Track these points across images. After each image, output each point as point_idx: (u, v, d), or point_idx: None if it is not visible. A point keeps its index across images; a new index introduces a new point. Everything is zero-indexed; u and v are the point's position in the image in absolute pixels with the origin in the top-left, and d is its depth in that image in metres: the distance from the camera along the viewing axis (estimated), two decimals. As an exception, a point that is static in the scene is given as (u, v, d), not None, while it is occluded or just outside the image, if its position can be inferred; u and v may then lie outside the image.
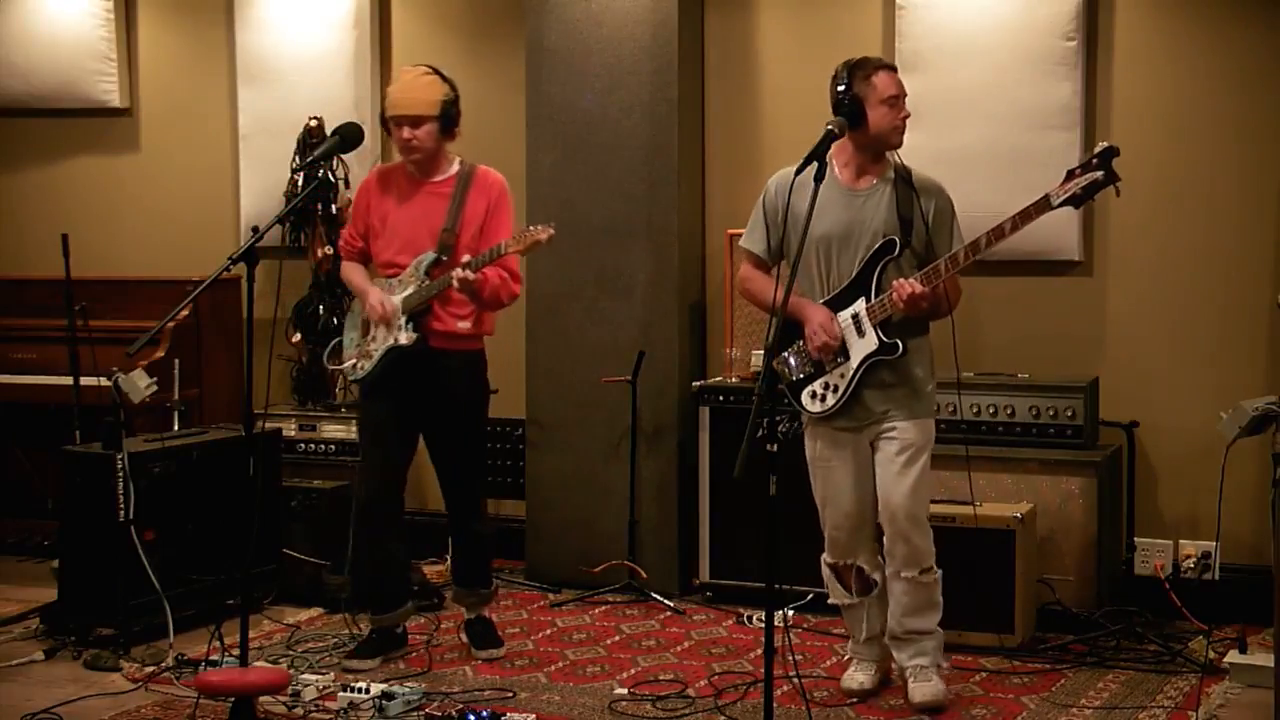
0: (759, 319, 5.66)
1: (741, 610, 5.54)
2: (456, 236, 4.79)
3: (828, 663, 4.95)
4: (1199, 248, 5.40)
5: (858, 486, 4.46)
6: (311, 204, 6.27)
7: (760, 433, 3.57)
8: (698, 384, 5.75)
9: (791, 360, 4.45)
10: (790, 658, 4.57)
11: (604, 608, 5.68)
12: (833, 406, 4.39)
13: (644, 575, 5.75)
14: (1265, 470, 4.30)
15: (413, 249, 4.82)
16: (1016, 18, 5.49)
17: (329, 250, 6.29)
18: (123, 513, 5.03)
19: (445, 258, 4.77)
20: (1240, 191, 5.35)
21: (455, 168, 4.89)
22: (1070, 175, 4.14)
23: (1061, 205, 4.14)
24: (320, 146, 5.10)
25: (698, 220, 6.04)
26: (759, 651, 4.97)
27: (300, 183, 6.27)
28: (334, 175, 6.26)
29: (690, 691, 4.65)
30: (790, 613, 5.39)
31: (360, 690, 4.45)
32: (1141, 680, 4.72)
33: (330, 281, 6.34)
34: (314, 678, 4.62)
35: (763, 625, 3.96)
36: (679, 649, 5.15)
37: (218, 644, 4.64)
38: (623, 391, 5.79)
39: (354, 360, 4.92)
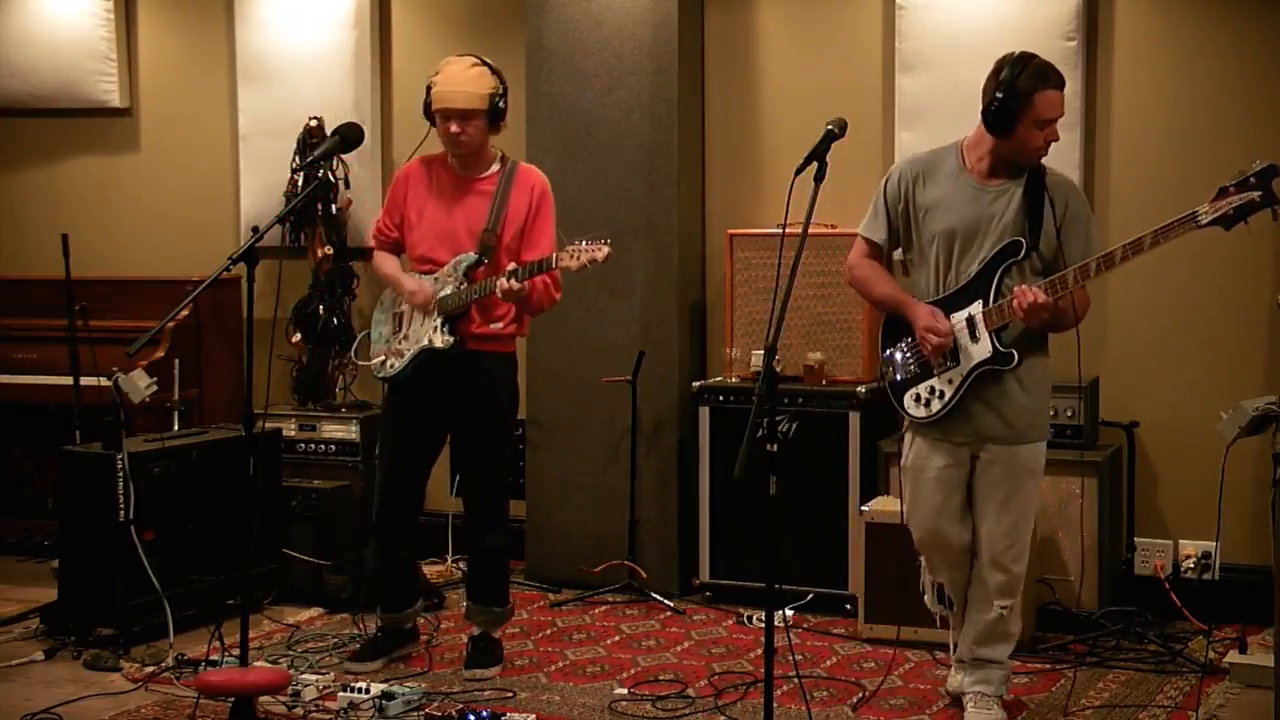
0: (759, 319, 5.65)
1: (741, 610, 5.54)
2: (498, 238, 4.67)
3: (828, 663, 4.96)
4: (1199, 248, 5.37)
5: (946, 503, 4.24)
6: (311, 204, 6.27)
7: (760, 433, 3.57)
8: (698, 384, 5.75)
9: (896, 359, 4.24)
10: (790, 658, 4.57)
11: (604, 608, 5.68)
12: (938, 413, 4.15)
13: (644, 575, 5.75)
14: (1265, 470, 4.29)
15: (450, 246, 4.70)
16: (1016, 18, 5.49)
17: (329, 250, 6.30)
18: (123, 513, 5.03)
19: (486, 260, 4.66)
20: (1240, 191, 5.34)
21: (497, 165, 4.77)
22: (1223, 193, 3.82)
23: (1209, 225, 3.84)
24: (320, 146, 5.09)
25: (698, 220, 6.04)
26: (759, 651, 4.97)
27: (300, 183, 6.27)
28: (334, 175, 6.27)
29: (690, 691, 4.65)
30: (790, 613, 5.39)
31: (360, 690, 4.45)
32: (1141, 680, 4.72)
33: (330, 281, 6.35)
34: (314, 678, 4.62)
35: (763, 625, 3.96)
36: (679, 649, 5.15)
37: (218, 644, 4.64)
38: (623, 391, 5.79)
39: (383, 357, 4.82)
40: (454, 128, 4.63)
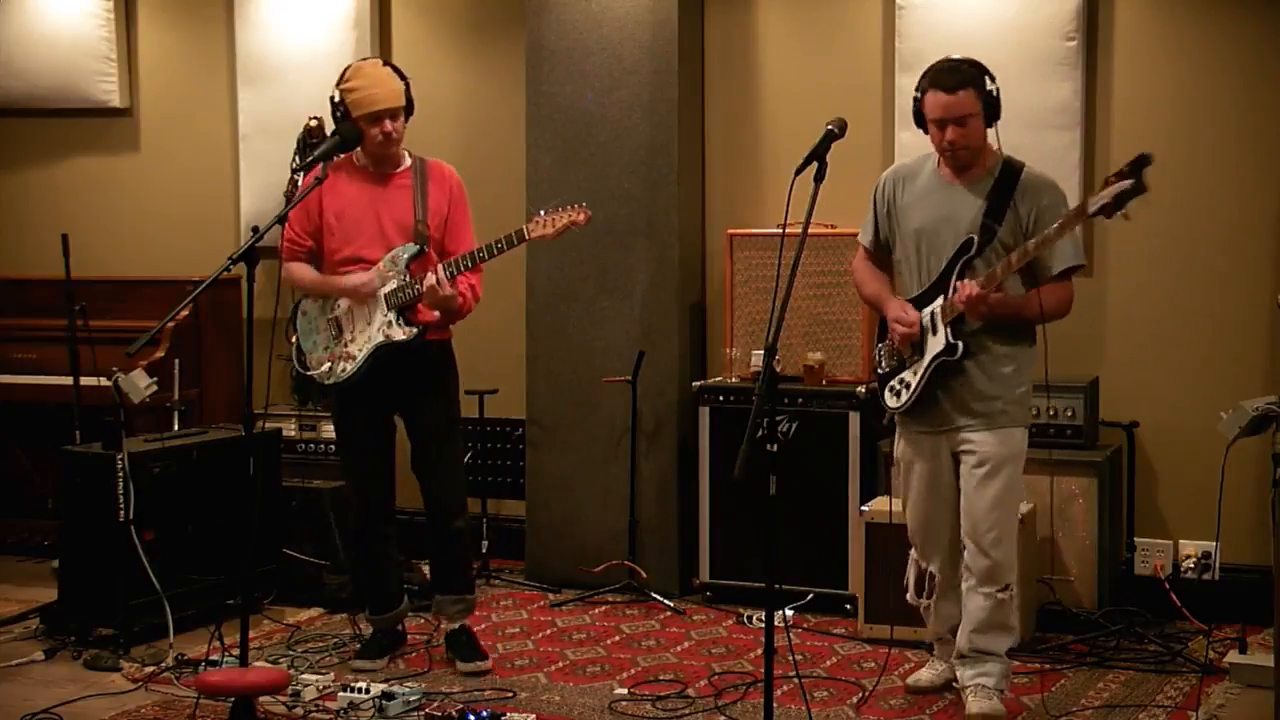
0: (759, 319, 5.66)
1: (741, 610, 5.54)
2: (429, 227, 4.76)
3: (828, 662, 4.96)
4: (1199, 247, 5.41)
5: (932, 492, 4.38)
6: (311, 204, 6.26)
7: (760, 433, 3.57)
8: (698, 384, 5.75)
9: (881, 354, 4.44)
10: (790, 658, 4.57)
11: (604, 608, 5.68)
12: (906, 403, 4.33)
13: (644, 575, 5.75)
14: (1265, 470, 4.30)
15: (381, 243, 4.75)
16: (1016, 18, 5.49)
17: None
18: (123, 513, 5.03)
19: (425, 249, 4.74)
20: (1240, 191, 5.35)
21: (407, 160, 4.86)
22: (1105, 183, 3.98)
23: (1095, 215, 3.99)
24: (320, 146, 5.09)
25: (698, 220, 6.04)
26: (759, 651, 4.97)
27: (300, 183, 6.27)
28: (334, 175, 6.26)
29: (690, 691, 4.65)
30: (790, 613, 5.39)
31: (360, 690, 4.46)
32: (1141, 680, 4.72)
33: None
34: (314, 678, 4.63)
35: (763, 625, 3.96)
36: (679, 649, 5.15)
37: (218, 644, 4.64)
38: (623, 391, 5.79)
39: (329, 364, 4.83)
40: (387, 126, 4.70)
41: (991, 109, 4.23)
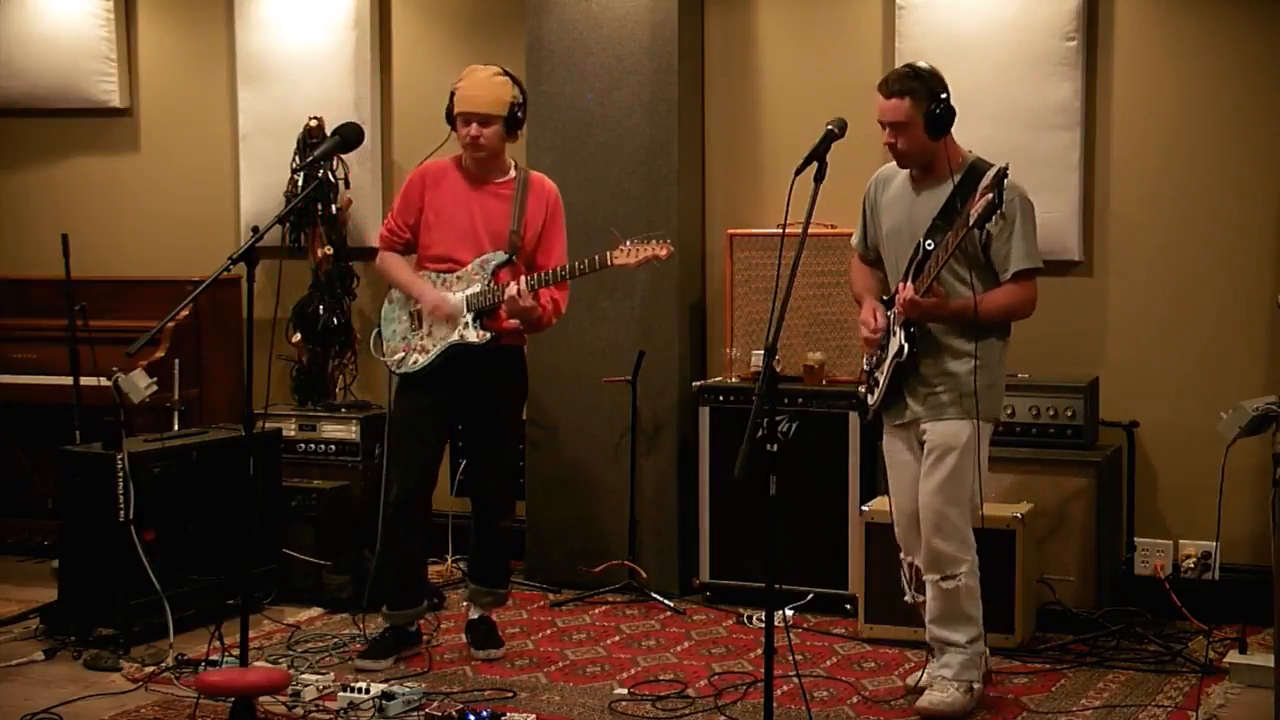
0: (759, 319, 5.66)
1: (741, 610, 5.54)
2: (522, 239, 4.84)
3: (828, 663, 4.96)
4: (1199, 247, 5.40)
5: (910, 485, 4.47)
6: (311, 204, 6.27)
7: (760, 433, 3.58)
8: (698, 384, 5.75)
9: (867, 352, 4.58)
10: (790, 658, 4.57)
11: (604, 608, 5.68)
12: (876, 401, 4.47)
13: (644, 575, 5.75)
14: (1265, 470, 4.30)
15: (473, 246, 4.84)
16: (1016, 18, 5.49)
17: (329, 250, 6.30)
18: (123, 513, 5.03)
19: (514, 259, 4.81)
20: (1240, 191, 5.35)
21: (513, 171, 4.93)
22: (979, 193, 4.10)
23: (972, 227, 4.12)
24: (320, 146, 5.10)
25: (698, 220, 6.04)
26: (759, 651, 4.97)
27: (300, 183, 6.27)
28: (334, 175, 6.27)
29: (690, 691, 4.65)
30: (790, 613, 5.40)
31: (360, 690, 4.46)
32: (1141, 680, 4.72)
33: (330, 281, 6.34)
34: (314, 678, 4.63)
35: (763, 625, 3.96)
36: (679, 649, 5.15)
37: (218, 644, 4.64)
38: (623, 391, 5.79)
39: (403, 353, 4.90)
40: (474, 130, 4.78)
41: (934, 122, 4.26)
